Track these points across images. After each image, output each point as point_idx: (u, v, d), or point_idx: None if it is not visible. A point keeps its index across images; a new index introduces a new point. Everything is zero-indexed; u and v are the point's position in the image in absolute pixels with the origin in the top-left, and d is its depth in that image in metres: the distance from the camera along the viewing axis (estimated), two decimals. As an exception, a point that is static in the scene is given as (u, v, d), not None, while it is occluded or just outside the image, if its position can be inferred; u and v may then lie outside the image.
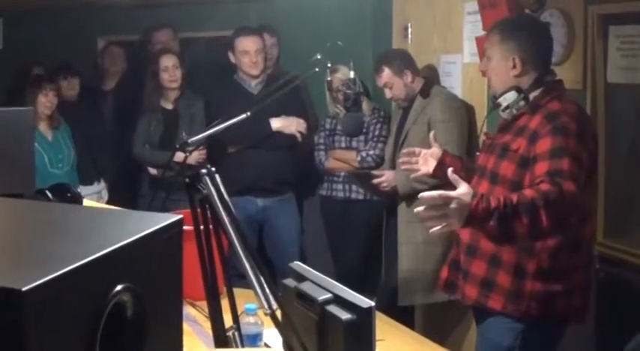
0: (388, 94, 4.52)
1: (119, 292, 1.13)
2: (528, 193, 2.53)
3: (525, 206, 2.46)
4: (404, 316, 4.36)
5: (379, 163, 4.91)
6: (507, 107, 2.91)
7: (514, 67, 2.92)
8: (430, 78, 4.62)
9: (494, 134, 3.12)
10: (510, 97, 2.91)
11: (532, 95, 2.90)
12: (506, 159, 2.85)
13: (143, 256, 1.20)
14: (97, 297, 1.10)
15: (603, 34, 3.51)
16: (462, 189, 2.42)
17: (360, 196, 5.10)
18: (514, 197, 2.49)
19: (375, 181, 4.48)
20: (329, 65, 3.58)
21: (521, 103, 2.89)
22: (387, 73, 4.47)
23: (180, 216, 1.28)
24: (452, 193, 2.39)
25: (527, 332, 2.88)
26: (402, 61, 4.52)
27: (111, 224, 1.30)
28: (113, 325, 1.14)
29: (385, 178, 4.46)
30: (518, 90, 2.91)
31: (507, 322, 2.89)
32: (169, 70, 5.09)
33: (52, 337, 1.02)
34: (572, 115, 2.76)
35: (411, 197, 4.29)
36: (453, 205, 2.37)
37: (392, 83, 4.47)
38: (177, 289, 1.30)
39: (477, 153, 3.28)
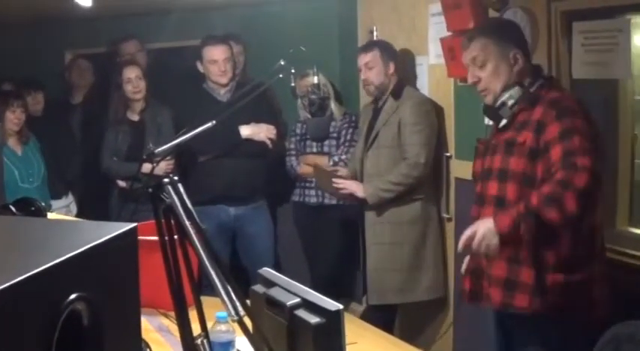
0: (364, 74, 4.51)
1: (73, 300, 1.13)
2: (545, 189, 2.61)
3: (547, 200, 2.58)
4: (388, 316, 4.40)
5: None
6: (515, 104, 2.94)
7: (516, 63, 2.97)
8: (403, 78, 4.62)
9: (488, 137, 3.14)
10: (515, 93, 2.96)
11: (532, 88, 2.95)
12: (514, 154, 2.87)
13: (97, 264, 1.19)
14: (51, 306, 1.10)
15: (567, 30, 3.53)
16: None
17: (333, 201, 5.09)
18: (533, 199, 2.62)
19: (336, 183, 4.47)
20: (292, 71, 3.58)
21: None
22: (374, 54, 4.49)
23: (133, 224, 1.27)
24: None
25: (552, 327, 2.86)
26: (393, 53, 4.56)
27: (65, 234, 1.29)
28: (70, 334, 1.13)
29: (347, 185, 4.46)
30: (521, 85, 2.96)
31: (533, 319, 2.88)
32: (133, 81, 5.05)
33: (6, 346, 1.01)
34: (574, 100, 2.84)
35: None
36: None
37: (374, 65, 4.47)
38: (133, 296, 1.29)
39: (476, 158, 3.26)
